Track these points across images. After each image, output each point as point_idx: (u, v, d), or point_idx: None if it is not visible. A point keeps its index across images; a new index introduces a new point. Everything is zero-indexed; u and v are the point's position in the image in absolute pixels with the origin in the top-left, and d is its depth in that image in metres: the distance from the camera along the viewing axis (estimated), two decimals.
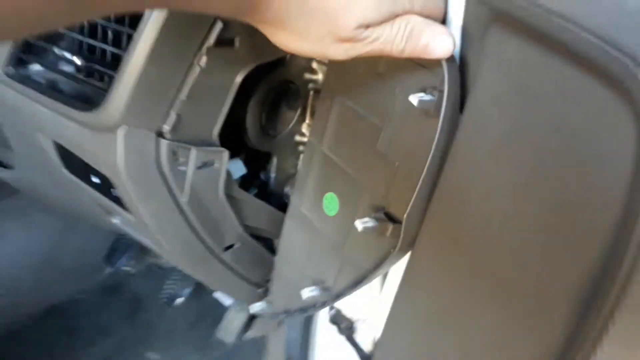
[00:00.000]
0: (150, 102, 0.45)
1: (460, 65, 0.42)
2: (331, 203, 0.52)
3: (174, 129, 0.47)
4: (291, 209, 0.58)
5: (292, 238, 0.59)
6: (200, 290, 1.25)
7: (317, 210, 0.54)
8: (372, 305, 0.70)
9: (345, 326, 0.77)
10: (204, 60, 0.45)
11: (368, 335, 0.76)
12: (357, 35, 0.34)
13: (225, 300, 1.13)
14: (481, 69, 0.39)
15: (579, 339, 0.30)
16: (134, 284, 1.35)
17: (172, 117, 0.46)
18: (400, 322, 0.50)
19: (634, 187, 0.29)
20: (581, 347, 0.30)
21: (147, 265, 1.21)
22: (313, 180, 0.54)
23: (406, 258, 0.48)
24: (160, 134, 0.47)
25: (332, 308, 0.78)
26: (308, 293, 0.54)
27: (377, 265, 0.48)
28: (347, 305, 0.75)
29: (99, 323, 1.28)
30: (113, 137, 0.45)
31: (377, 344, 0.52)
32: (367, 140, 0.46)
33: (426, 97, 0.38)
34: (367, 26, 0.34)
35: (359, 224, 0.44)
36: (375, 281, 0.68)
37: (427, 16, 0.37)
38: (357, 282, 0.52)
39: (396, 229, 0.44)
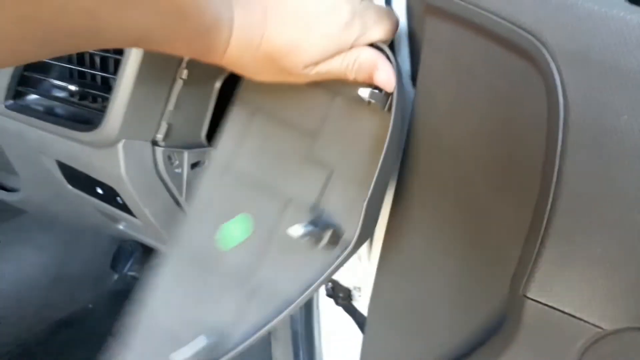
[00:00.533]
0: (143, 116, 0.51)
1: (411, 50, 0.48)
2: (239, 227, 0.45)
3: (167, 136, 0.53)
4: (178, 239, 0.49)
5: (172, 275, 0.49)
6: None
7: (216, 237, 0.46)
8: (363, 272, 0.77)
9: (342, 297, 0.84)
10: (185, 73, 0.51)
11: (364, 301, 0.82)
12: (308, 72, 0.38)
13: None
14: (422, 53, 0.45)
15: (523, 266, 0.37)
16: (140, 287, 1.40)
17: (164, 126, 0.52)
18: (385, 284, 0.57)
19: (550, 136, 0.36)
20: (525, 271, 0.37)
21: (152, 267, 1.26)
22: (219, 202, 0.47)
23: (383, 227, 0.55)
24: (155, 143, 0.53)
25: (329, 281, 0.85)
26: (196, 346, 0.40)
27: (319, 277, 0.40)
28: (343, 275, 0.82)
29: (113, 329, 1.33)
30: (114, 151, 0.51)
31: (368, 307, 0.59)
32: (297, 149, 0.45)
33: (376, 90, 0.40)
34: (316, 63, 0.37)
35: (296, 230, 0.39)
36: (364, 250, 0.75)
37: (378, 40, 0.41)
38: (281, 310, 0.40)
39: (335, 234, 0.42)
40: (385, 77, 0.41)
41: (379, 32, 0.40)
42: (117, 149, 0.51)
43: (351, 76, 0.40)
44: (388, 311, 0.59)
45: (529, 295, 0.37)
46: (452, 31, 0.41)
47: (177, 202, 0.59)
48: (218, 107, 0.59)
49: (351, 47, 0.38)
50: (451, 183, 0.45)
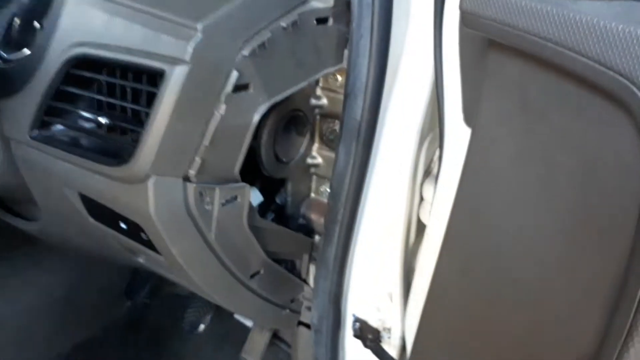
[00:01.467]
0: (177, 152, 0.47)
1: (463, 84, 0.45)
2: None
3: (199, 172, 0.50)
4: None
5: None
6: (221, 315, 1.27)
7: None
8: (394, 313, 0.73)
9: (371, 338, 0.79)
10: (223, 108, 0.47)
11: (394, 343, 0.78)
12: None
13: (247, 321, 1.15)
14: (484, 91, 0.42)
15: (611, 338, 0.33)
16: (154, 315, 1.36)
17: (197, 162, 0.49)
18: (431, 331, 0.53)
19: None
20: (614, 345, 0.32)
21: (165, 295, 1.23)
22: None
23: (430, 267, 0.51)
24: (186, 179, 0.50)
25: (356, 321, 0.80)
26: None
27: None
28: (371, 315, 0.78)
29: (124, 358, 1.29)
30: (143, 187, 0.48)
31: (411, 353, 0.54)
32: None
33: None
34: None
35: None
36: (395, 289, 0.71)
37: None
38: None
39: None
40: None
41: None
42: (147, 185, 0.47)
43: None
44: None
45: None
46: (522, 68, 0.38)
47: (206, 240, 0.55)
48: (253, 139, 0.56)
49: None
50: (512, 235, 0.41)
